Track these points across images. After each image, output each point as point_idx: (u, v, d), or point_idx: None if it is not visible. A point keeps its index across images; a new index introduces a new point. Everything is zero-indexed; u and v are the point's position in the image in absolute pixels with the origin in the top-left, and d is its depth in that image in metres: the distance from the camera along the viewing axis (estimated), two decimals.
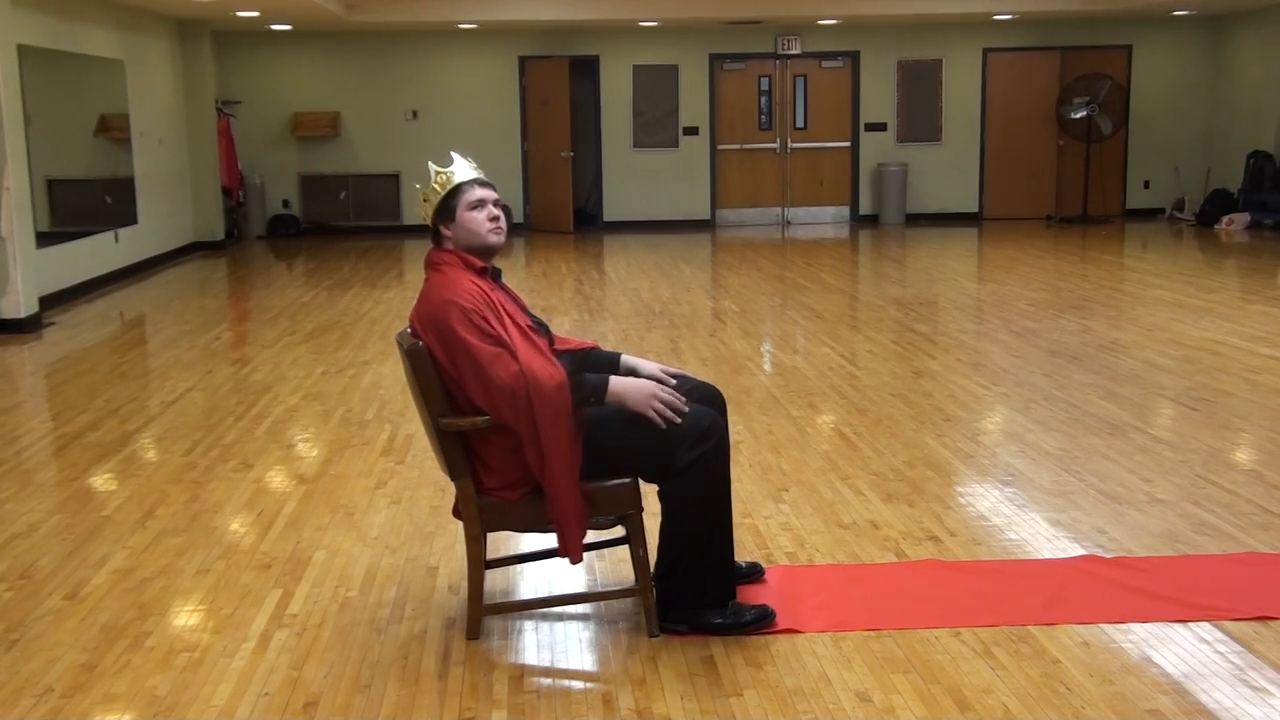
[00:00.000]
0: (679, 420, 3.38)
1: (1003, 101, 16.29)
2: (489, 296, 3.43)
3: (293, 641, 3.53)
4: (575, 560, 3.48)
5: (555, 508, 3.37)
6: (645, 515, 3.51)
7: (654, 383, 3.47)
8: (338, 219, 15.99)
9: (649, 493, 3.53)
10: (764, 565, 3.94)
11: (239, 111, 15.39)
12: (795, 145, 16.39)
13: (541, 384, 3.29)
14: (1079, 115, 15.58)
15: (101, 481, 5.25)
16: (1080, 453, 5.30)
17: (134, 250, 12.21)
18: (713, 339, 8.25)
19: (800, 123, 16.37)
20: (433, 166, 3.60)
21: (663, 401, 3.39)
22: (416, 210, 3.67)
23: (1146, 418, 5.91)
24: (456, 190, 3.52)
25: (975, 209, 16.51)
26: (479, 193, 3.53)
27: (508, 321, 3.40)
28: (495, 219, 3.53)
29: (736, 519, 3.84)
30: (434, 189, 3.55)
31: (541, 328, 3.60)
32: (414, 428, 5.78)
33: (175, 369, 7.62)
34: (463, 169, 3.57)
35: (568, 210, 15.65)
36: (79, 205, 11.54)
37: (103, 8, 11.74)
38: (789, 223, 16.41)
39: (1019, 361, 7.27)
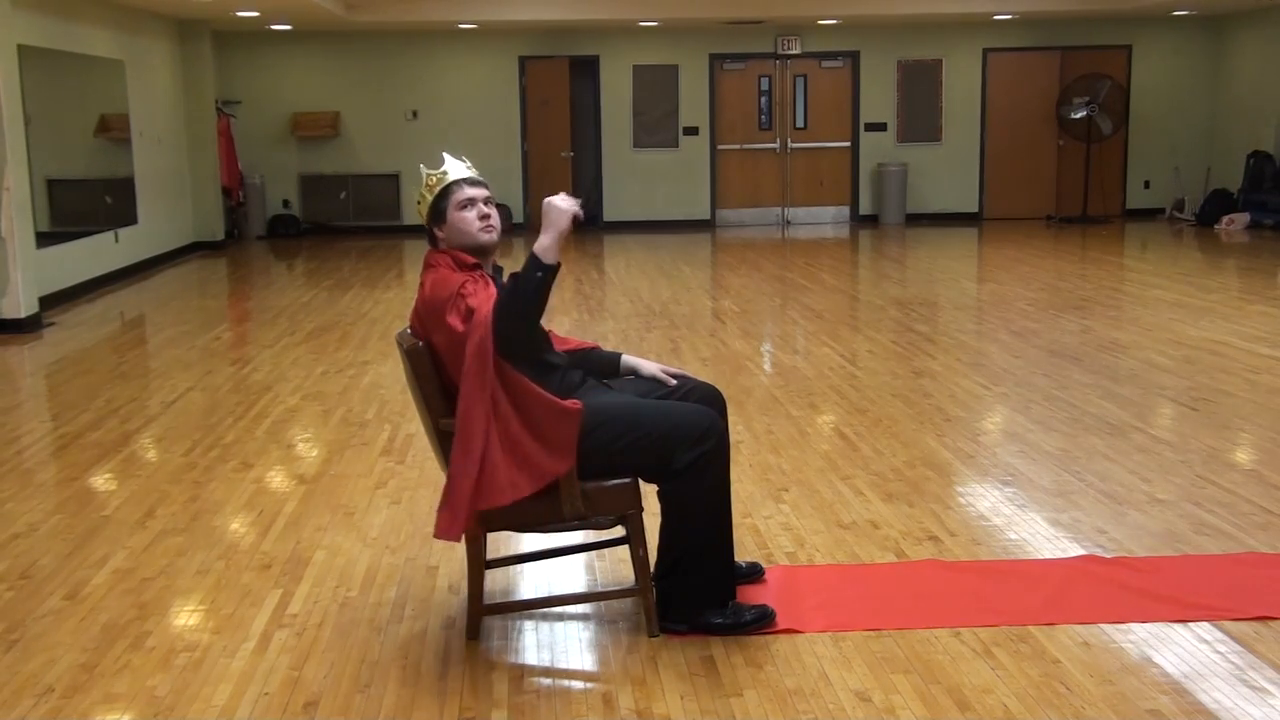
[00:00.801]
0: (579, 210, 3.29)
1: (1003, 101, 16.30)
2: (478, 291, 3.40)
3: (293, 641, 3.53)
4: (438, 535, 3.32)
5: (451, 460, 3.28)
6: (645, 515, 3.51)
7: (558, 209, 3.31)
8: (338, 219, 15.99)
9: (649, 493, 3.54)
10: (764, 565, 3.94)
11: (239, 111, 15.39)
12: (795, 145, 16.39)
13: (485, 319, 3.26)
14: (1079, 115, 15.59)
15: (102, 481, 5.25)
16: (1080, 453, 5.30)
17: (134, 250, 12.21)
18: (713, 339, 8.25)
19: (800, 123, 16.38)
20: (424, 169, 3.59)
21: (566, 209, 3.28)
22: (415, 212, 3.68)
23: (1146, 418, 5.91)
24: (445, 191, 3.51)
25: (975, 209, 16.51)
26: (467, 192, 3.49)
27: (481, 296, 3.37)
28: (485, 217, 3.50)
29: (736, 519, 3.84)
30: (424, 191, 3.55)
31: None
32: (414, 428, 5.78)
33: (175, 369, 7.62)
34: (454, 169, 3.54)
35: None
36: (79, 205, 11.55)
37: (102, 8, 11.74)
38: (789, 223, 16.42)
39: (1019, 361, 7.27)
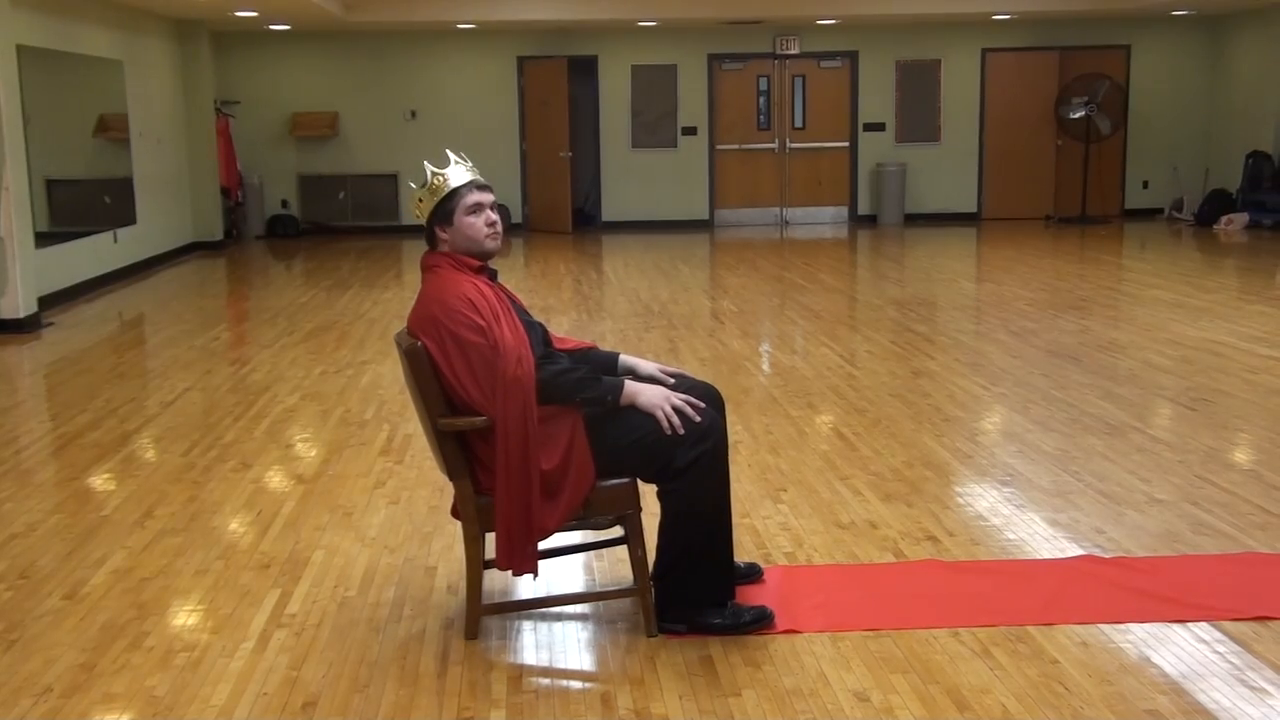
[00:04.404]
0: (683, 431, 3.37)
1: (1001, 101, 16.29)
2: (485, 296, 3.42)
3: (291, 641, 3.53)
4: (506, 570, 3.44)
5: (498, 506, 3.36)
6: (644, 515, 3.51)
7: (668, 390, 3.47)
8: (336, 219, 15.99)
9: (647, 492, 3.54)
10: (762, 565, 3.94)
11: (238, 112, 15.38)
12: (794, 145, 16.39)
13: (529, 371, 3.32)
14: (1078, 115, 15.59)
15: (100, 481, 5.25)
16: (1079, 453, 5.30)
17: (133, 250, 12.21)
18: (711, 339, 8.25)
19: (799, 123, 16.38)
20: (429, 167, 3.54)
21: (675, 408, 3.39)
22: (411, 210, 3.63)
23: (1145, 418, 5.92)
24: (454, 194, 3.48)
25: (974, 209, 16.51)
26: (476, 196, 3.48)
27: (503, 320, 3.40)
28: (493, 224, 3.50)
29: (735, 519, 3.84)
30: (429, 191, 3.51)
31: (536, 327, 3.60)
32: (412, 428, 5.78)
33: (174, 369, 7.62)
34: (460, 171, 3.52)
35: (566, 210, 15.65)
36: (78, 205, 11.54)
37: (101, 8, 11.74)
38: (787, 223, 16.42)
39: (1017, 362, 7.28)
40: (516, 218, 15.81)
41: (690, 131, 16.20)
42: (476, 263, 3.51)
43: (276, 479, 5.23)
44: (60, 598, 3.89)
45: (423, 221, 3.55)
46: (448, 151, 3.65)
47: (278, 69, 15.78)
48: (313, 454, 5.61)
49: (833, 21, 15.41)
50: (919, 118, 16.32)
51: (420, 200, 3.53)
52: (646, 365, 3.72)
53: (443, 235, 3.51)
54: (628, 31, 15.80)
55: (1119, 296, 9.97)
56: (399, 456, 5.47)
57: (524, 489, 3.33)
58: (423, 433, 3.77)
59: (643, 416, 3.40)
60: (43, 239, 9.78)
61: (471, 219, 3.47)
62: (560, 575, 3.99)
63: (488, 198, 3.52)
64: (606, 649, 3.46)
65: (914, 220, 16.24)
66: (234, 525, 4.62)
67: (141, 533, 4.50)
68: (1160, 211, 16.40)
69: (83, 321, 9.59)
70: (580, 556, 4.09)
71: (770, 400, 6.41)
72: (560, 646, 3.50)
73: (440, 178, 3.50)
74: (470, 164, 3.58)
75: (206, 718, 3.09)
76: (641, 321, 8.95)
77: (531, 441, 3.31)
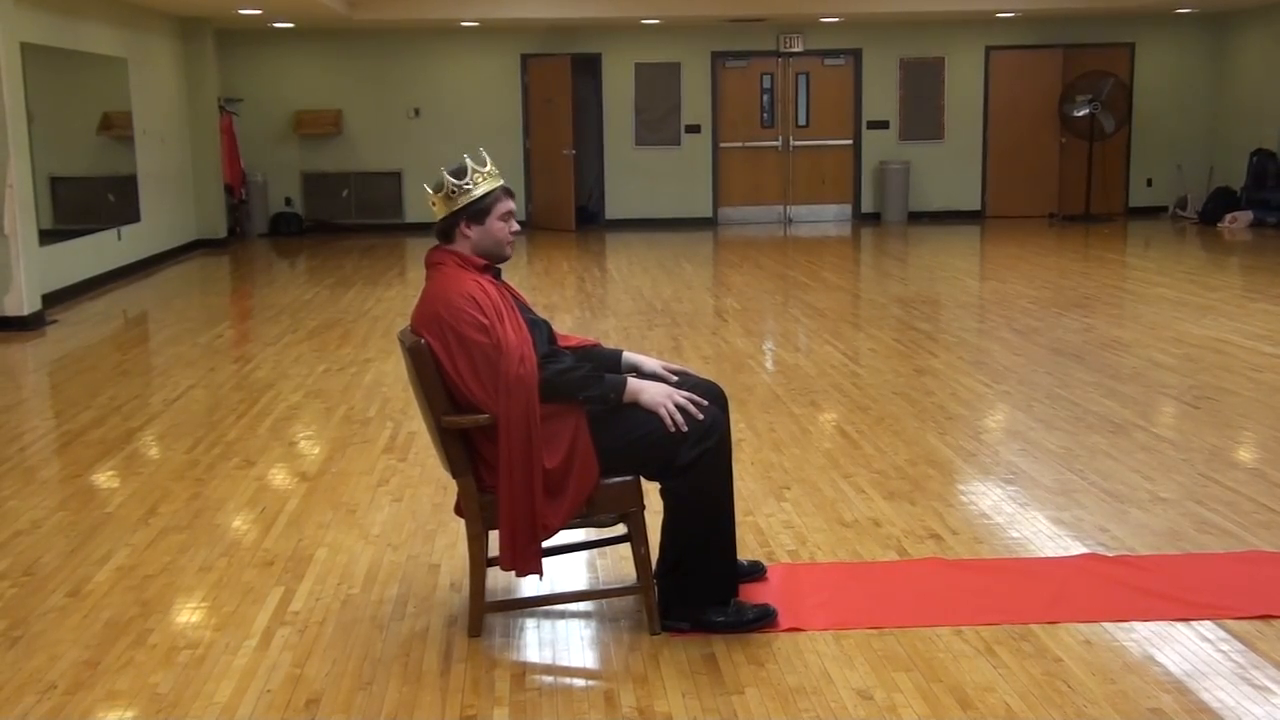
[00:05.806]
0: (686, 428, 3.38)
1: (1005, 99, 16.28)
2: (489, 294, 3.43)
3: (295, 639, 3.53)
4: (510, 571, 3.45)
5: (501, 505, 3.37)
6: (647, 513, 3.51)
7: (671, 387, 3.48)
8: (340, 217, 15.99)
9: (650, 490, 3.54)
10: (765, 563, 3.94)
11: (241, 109, 15.39)
12: (797, 143, 16.37)
13: (531, 370, 3.33)
14: (1082, 113, 15.57)
15: (104, 479, 5.25)
16: (1082, 451, 5.30)
17: (136, 248, 12.22)
18: (715, 337, 8.25)
19: (802, 120, 16.37)
20: (470, 162, 3.51)
21: (678, 405, 3.39)
22: (426, 204, 3.58)
23: (1149, 416, 5.91)
24: (492, 195, 3.51)
25: (977, 207, 16.50)
26: (509, 204, 3.57)
27: (506, 319, 3.40)
28: (514, 233, 3.59)
29: (738, 517, 3.84)
30: (465, 186, 3.47)
31: (541, 325, 3.60)
32: (416, 425, 5.79)
33: (177, 367, 7.63)
34: (495, 174, 3.55)
35: (570, 208, 15.65)
36: (82, 203, 11.55)
37: (106, 5, 11.75)
38: (791, 221, 16.41)
39: (1021, 360, 7.27)
40: (520, 215, 15.75)
41: (694, 129, 16.19)
42: (482, 261, 3.53)
43: (280, 476, 5.23)
44: (64, 595, 3.90)
45: (441, 213, 3.51)
46: (481, 151, 3.62)
47: (282, 67, 15.78)
48: (316, 451, 5.61)
49: (836, 19, 15.40)
50: (923, 116, 16.30)
51: (452, 192, 3.49)
52: (650, 363, 3.72)
53: (467, 232, 3.51)
54: (631, 29, 15.79)
55: (1123, 295, 9.96)
56: (402, 454, 5.47)
57: (527, 487, 3.33)
58: (426, 430, 3.78)
59: (646, 414, 3.41)
60: (47, 236, 9.78)
61: (502, 224, 3.54)
62: (563, 573, 3.99)
63: (514, 206, 3.60)
64: (610, 647, 3.46)
65: (917, 218, 16.23)
66: (237, 523, 4.62)
67: (145, 530, 4.51)
68: (1164, 210, 16.38)
69: (86, 319, 9.60)
70: (583, 554, 4.09)
71: (773, 398, 6.41)
72: (563, 644, 3.50)
73: (480, 175, 3.51)
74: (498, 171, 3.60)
75: (210, 715, 3.10)
76: (645, 319, 8.95)
77: (534, 440, 3.31)
